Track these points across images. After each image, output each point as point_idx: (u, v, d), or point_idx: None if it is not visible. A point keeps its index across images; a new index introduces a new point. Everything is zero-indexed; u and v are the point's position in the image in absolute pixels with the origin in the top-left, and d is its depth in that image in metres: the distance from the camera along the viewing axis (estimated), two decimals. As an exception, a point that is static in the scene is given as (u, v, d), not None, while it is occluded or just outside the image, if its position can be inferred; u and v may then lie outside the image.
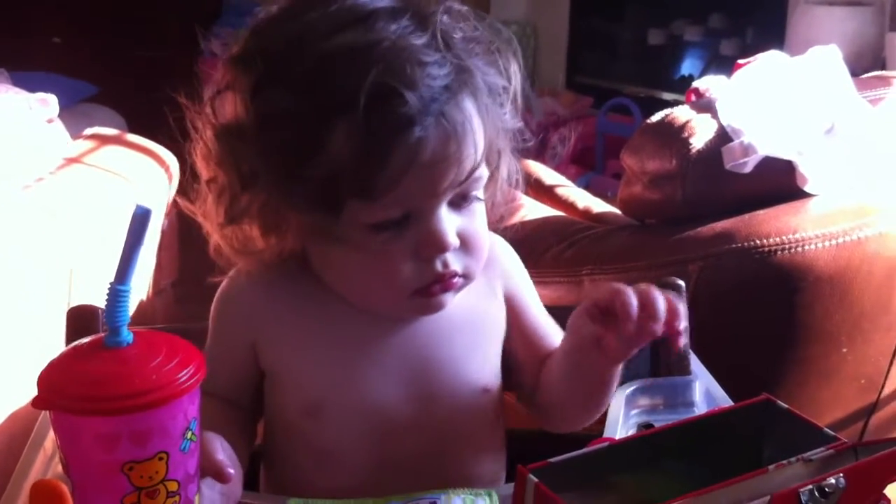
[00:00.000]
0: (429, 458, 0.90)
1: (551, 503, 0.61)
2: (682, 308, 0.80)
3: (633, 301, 0.78)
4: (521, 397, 0.99)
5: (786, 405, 0.72)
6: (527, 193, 1.89)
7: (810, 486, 0.60)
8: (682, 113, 1.52)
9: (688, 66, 3.83)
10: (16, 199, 1.69)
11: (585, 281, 1.56)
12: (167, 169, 2.15)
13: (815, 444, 0.67)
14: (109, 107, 3.03)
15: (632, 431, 0.90)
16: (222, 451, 0.75)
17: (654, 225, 1.61)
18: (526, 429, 1.01)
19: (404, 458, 0.89)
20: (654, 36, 3.84)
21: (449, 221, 0.82)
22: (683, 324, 0.81)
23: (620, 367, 0.88)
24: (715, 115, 1.50)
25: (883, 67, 2.55)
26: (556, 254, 1.62)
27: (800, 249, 1.41)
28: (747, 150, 1.44)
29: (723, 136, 1.47)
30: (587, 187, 2.44)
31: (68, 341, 0.95)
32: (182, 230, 2.31)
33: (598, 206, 1.87)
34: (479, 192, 0.85)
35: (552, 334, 0.96)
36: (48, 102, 1.98)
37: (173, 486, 0.65)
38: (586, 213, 1.85)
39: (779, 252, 1.41)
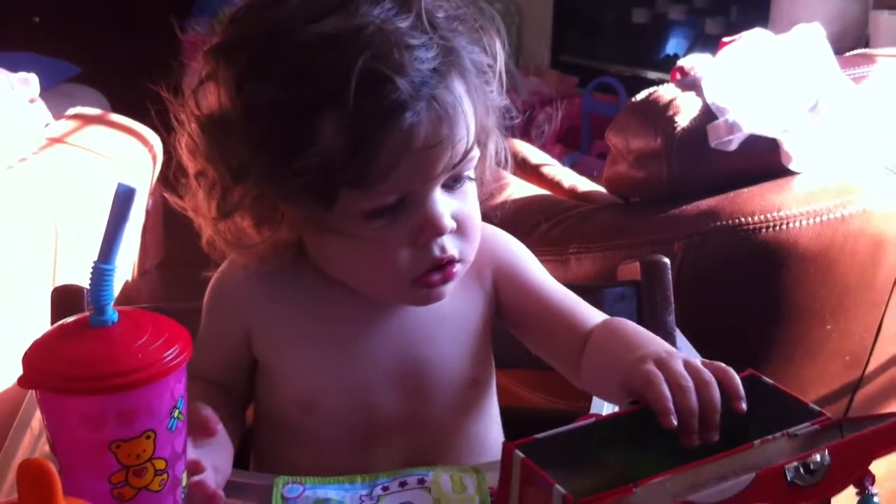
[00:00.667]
0: (421, 452, 0.90)
1: (537, 478, 0.61)
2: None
3: (667, 394, 0.70)
4: (556, 366, 0.95)
5: (771, 380, 0.72)
6: (513, 173, 1.89)
7: (795, 464, 0.60)
8: (666, 91, 1.52)
9: (673, 45, 3.82)
10: (-2, 180, 1.68)
11: (572, 259, 1.56)
12: (151, 149, 2.14)
13: (801, 419, 0.67)
14: (92, 87, 3.00)
15: (618, 408, 0.90)
16: (209, 409, 0.76)
17: (640, 203, 1.61)
18: (520, 406, 1.01)
19: (396, 453, 0.90)
20: (638, 14, 3.83)
21: (444, 204, 0.82)
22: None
23: None
24: (700, 93, 1.50)
25: (866, 45, 2.55)
26: (543, 233, 1.62)
27: (784, 227, 1.42)
28: (732, 128, 1.44)
29: (707, 115, 1.47)
30: (573, 167, 2.43)
31: (53, 321, 0.95)
32: (167, 211, 2.29)
33: (583, 184, 1.87)
34: (470, 173, 0.85)
35: (567, 305, 0.93)
36: (30, 82, 1.97)
37: (161, 465, 0.65)
38: (572, 192, 1.85)
39: (763, 230, 1.42)
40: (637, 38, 3.90)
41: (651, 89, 1.55)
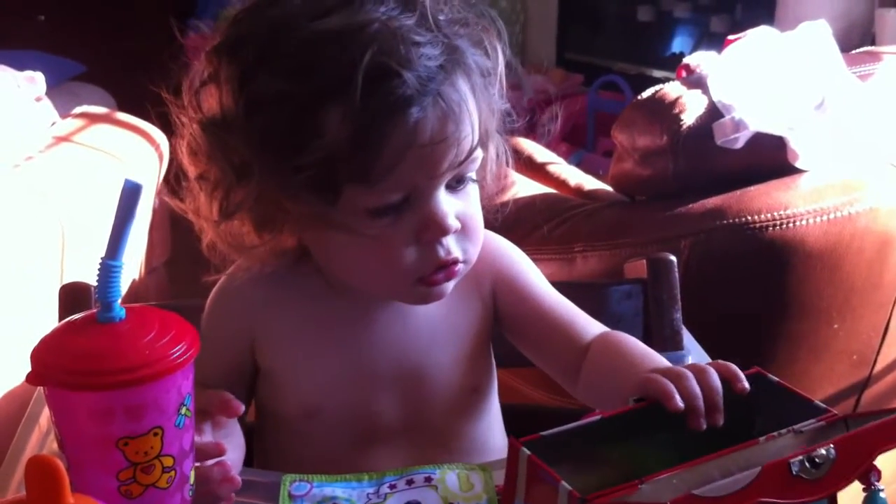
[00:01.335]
0: (423, 456, 0.90)
1: (543, 475, 0.61)
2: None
3: (669, 383, 0.71)
4: (553, 376, 0.96)
5: (776, 378, 0.72)
6: (518, 171, 1.89)
7: (801, 457, 0.60)
8: (672, 89, 1.52)
9: (678, 44, 3.82)
10: (5, 178, 1.68)
11: (578, 258, 1.56)
12: (157, 147, 2.14)
13: (806, 416, 0.67)
14: (98, 85, 3.01)
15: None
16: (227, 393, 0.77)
17: (645, 201, 1.61)
18: (523, 403, 1.01)
19: (398, 457, 0.90)
20: (643, 12, 3.82)
21: (448, 204, 0.82)
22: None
23: None
24: (706, 90, 1.50)
25: (872, 43, 2.54)
26: (548, 230, 1.62)
27: (791, 225, 1.42)
28: (738, 125, 1.44)
29: (713, 112, 1.47)
30: (579, 165, 2.43)
31: (61, 318, 0.95)
32: (173, 209, 2.29)
33: (589, 183, 1.87)
34: (472, 174, 0.85)
35: (565, 316, 0.93)
36: (36, 80, 1.97)
37: (168, 462, 0.65)
38: (578, 190, 1.85)
39: (770, 228, 1.41)
40: (642, 36, 3.90)
41: (657, 87, 1.55)
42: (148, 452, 0.64)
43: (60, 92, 2.40)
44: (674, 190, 1.52)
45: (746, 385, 0.71)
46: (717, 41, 2.09)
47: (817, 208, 1.42)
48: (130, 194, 0.63)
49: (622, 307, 1.06)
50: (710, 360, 0.97)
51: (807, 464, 0.61)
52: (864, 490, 0.63)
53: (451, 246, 0.83)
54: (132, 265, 2.06)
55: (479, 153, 0.83)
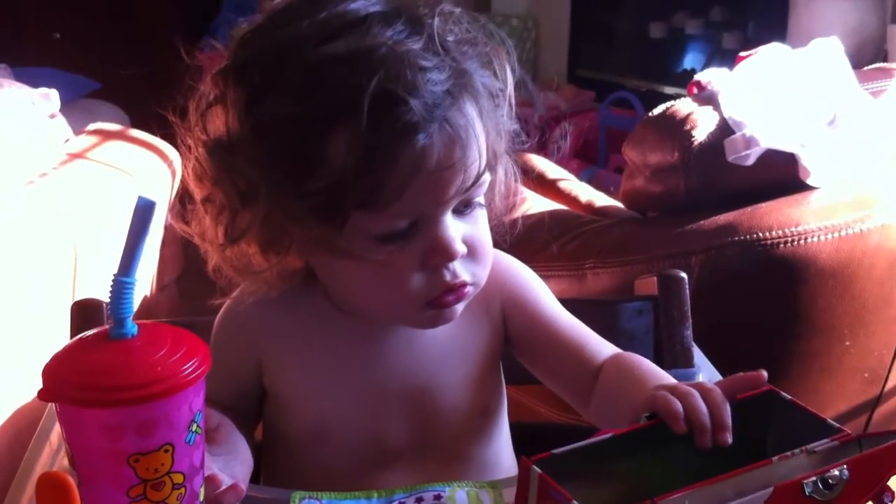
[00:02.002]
0: (432, 478, 0.89)
1: (555, 493, 0.61)
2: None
3: (675, 401, 0.71)
4: (564, 398, 0.95)
5: (789, 396, 0.72)
6: (529, 187, 1.89)
7: (814, 478, 0.60)
8: (684, 105, 1.52)
9: (690, 60, 3.82)
10: (19, 195, 1.69)
11: (588, 274, 1.56)
12: (170, 164, 2.15)
13: (819, 435, 0.67)
14: (112, 103, 3.02)
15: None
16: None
17: (656, 218, 1.61)
18: (533, 422, 1.01)
19: (407, 479, 0.89)
20: (655, 29, 3.83)
21: (455, 229, 0.81)
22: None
23: None
24: (717, 107, 1.50)
25: (884, 59, 2.54)
26: (560, 247, 1.62)
27: (802, 242, 1.41)
28: (749, 142, 1.44)
29: (725, 129, 1.47)
30: (590, 182, 2.43)
31: (73, 335, 0.96)
32: (184, 226, 2.30)
33: (600, 199, 1.88)
34: (480, 198, 0.84)
35: (577, 337, 0.93)
36: (50, 97, 1.98)
37: (179, 479, 0.65)
38: (589, 207, 1.85)
39: (781, 245, 1.41)
40: (654, 53, 3.91)
41: (668, 103, 1.55)
42: (158, 469, 0.64)
43: (74, 109, 2.41)
44: (685, 206, 1.51)
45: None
46: (728, 58, 2.10)
47: (829, 225, 1.42)
48: (144, 211, 0.63)
49: (633, 324, 1.06)
50: (720, 377, 0.97)
51: (820, 485, 0.60)
52: (876, 510, 0.63)
53: (459, 270, 0.82)
54: (144, 281, 2.07)
55: (486, 177, 0.82)
